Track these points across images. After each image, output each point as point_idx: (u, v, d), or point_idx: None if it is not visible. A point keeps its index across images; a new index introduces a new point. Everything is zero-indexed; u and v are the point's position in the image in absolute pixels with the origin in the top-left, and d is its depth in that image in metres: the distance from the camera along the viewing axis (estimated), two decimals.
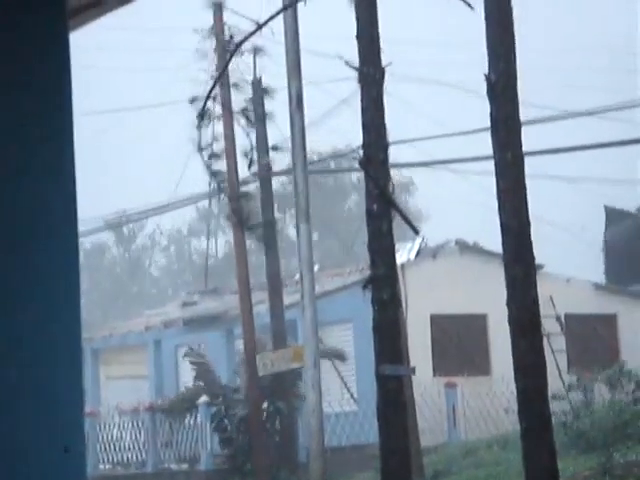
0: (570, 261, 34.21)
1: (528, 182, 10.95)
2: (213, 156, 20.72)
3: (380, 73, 12.07)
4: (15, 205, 2.91)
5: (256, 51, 22.29)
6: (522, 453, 10.72)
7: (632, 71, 36.19)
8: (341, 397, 25.44)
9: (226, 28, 21.89)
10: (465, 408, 25.57)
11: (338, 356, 24.41)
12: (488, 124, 11.03)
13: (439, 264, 27.46)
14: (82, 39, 3.36)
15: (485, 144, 11.39)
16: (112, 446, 26.91)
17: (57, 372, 2.91)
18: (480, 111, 11.31)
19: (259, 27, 12.41)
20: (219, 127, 21.91)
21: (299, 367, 19.92)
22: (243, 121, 22.29)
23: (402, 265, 26.16)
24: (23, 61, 2.93)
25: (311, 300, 13.22)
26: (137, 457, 26.42)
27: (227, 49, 21.38)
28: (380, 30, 12.11)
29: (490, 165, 11.23)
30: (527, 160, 11.11)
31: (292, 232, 52.50)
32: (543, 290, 12.80)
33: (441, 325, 26.95)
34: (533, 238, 10.88)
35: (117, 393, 30.49)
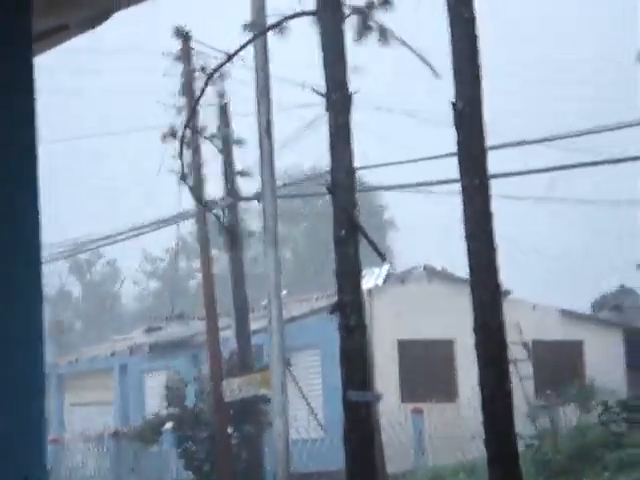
0: (538, 287, 34.36)
1: (498, 204, 11.01)
2: (188, 178, 20.68)
3: (347, 100, 12.12)
4: None
5: (224, 77, 22.31)
6: (488, 479, 10.71)
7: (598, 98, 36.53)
8: (308, 423, 25.36)
9: (193, 53, 21.90)
10: (432, 434, 25.53)
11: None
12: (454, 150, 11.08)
13: (407, 290, 27.49)
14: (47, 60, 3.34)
15: (452, 170, 11.43)
16: (76, 473, 26.66)
17: (19, 398, 2.88)
18: (448, 138, 11.36)
19: (230, 57, 12.44)
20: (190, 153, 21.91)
21: (266, 393, 19.84)
22: (212, 146, 22.32)
23: (370, 290, 26.16)
24: None
25: (279, 325, 13.17)
26: None
27: (194, 74, 21.40)
28: (348, 58, 12.18)
29: (456, 189, 11.27)
30: (499, 182, 11.18)
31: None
32: (510, 316, 12.82)
33: (408, 351, 26.94)
34: (500, 263, 10.91)
35: (82, 419, 30.25)
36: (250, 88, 14.59)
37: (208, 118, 22.78)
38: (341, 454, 12.58)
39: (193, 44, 21.99)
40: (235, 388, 21.22)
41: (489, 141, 11.39)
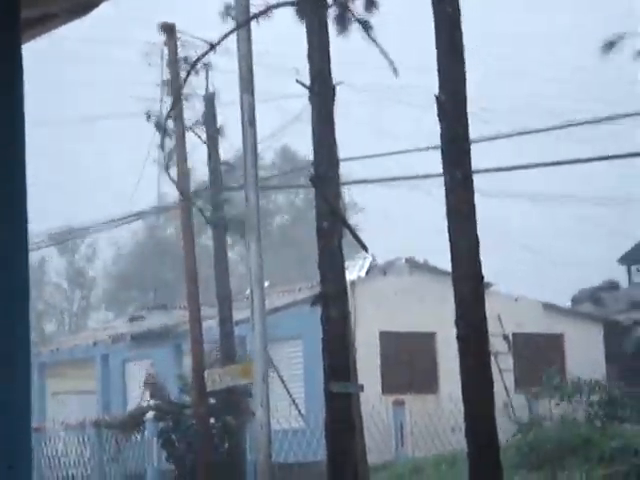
0: (520, 279, 34.48)
1: (484, 199, 11.04)
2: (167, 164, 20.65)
3: (330, 92, 12.13)
4: None
5: (208, 66, 22.27)
6: (469, 472, 10.76)
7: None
8: (289, 414, 25.40)
9: (178, 44, 21.86)
10: (413, 426, 25.61)
11: None
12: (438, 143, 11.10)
13: (389, 282, 27.54)
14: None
15: (437, 162, 11.45)
16: (57, 462, 26.64)
17: (3, 387, 2.88)
18: (434, 131, 11.37)
19: (212, 47, 12.43)
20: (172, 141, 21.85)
21: (248, 383, 19.86)
22: (196, 135, 22.30)
23: (352, 282, 26.20)
24: None
25: (261, 316, 13.19)
26: (82, 473, 26.18)
27: (179, 64, 21.36)
28: (332, 50, 12.19)
29: (440, 182, 11.28)
30: (485, 176, 11.20)
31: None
32: (491, 309, 12.87)
33: (390, 343, 27.00)
34: (483, 256, 10.94)
35: (63, 408, 30.22)
36: (233, 80, 14.60)
37: (193, 109, 22.75)
38: (322, 445, 12.63)
39: (179, 35, 21.95)
40: (217, 378, 21.22)
41: (479, 133, 11.45)
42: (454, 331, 10.89)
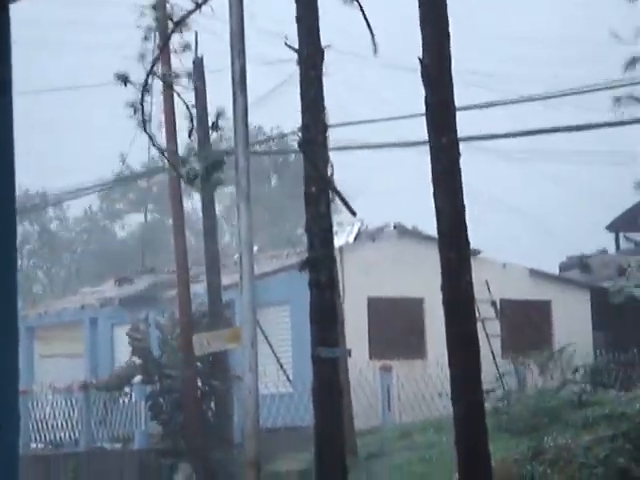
0: (507, 246, 34.54)
1: (472, 165, 11.03)
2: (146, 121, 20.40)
3: (319, 55, 12.08)
4: None
5: (199, 31, 22.16)
6: (455, 436, 10.83)
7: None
8: (277, 379, 25.49)
9: (168, 7, 21.74)
10: (400, 391, 25.73)
11: None
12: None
13: (377, 248, 27.58)
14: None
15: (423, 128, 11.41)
16: (45, 425, 26.72)
17: None
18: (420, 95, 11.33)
19: (198, 6, 12.35)
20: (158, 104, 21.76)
21: (236, 348, 19.91)
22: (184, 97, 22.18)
23: (340, 248, 26.24)
24: None
25: (250, 281, 13.20)
26: (70, 436, 26.27)
27: (169, 26, 21.23)
28: (321, 12, 12.13)
29: (426, 148, 11.26)
30: (472, 143, 11.17)
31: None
32: (479, 275, 12.91)
33: (378, 308, 27.08)
34: (470, 222, 10.95)
35: (51, 371, 30.27)
36: (224, 43, 14.52)
37: (181, 72, 22.64)
38: (310, 410, 12.69)
39: None
40: (205, 342, 21.28)
41: (466, 100, 11.42)
42: (442, 297, 10.92)
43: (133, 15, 21.85)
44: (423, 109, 10.96)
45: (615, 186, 33.87)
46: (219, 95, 22.28)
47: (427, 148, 11.07)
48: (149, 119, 17.97)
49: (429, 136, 10.93)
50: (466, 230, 10.86)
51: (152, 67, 15.01)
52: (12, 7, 3.11)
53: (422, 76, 10.81)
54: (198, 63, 23.15)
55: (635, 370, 21.60)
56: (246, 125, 13.28)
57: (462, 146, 11.09)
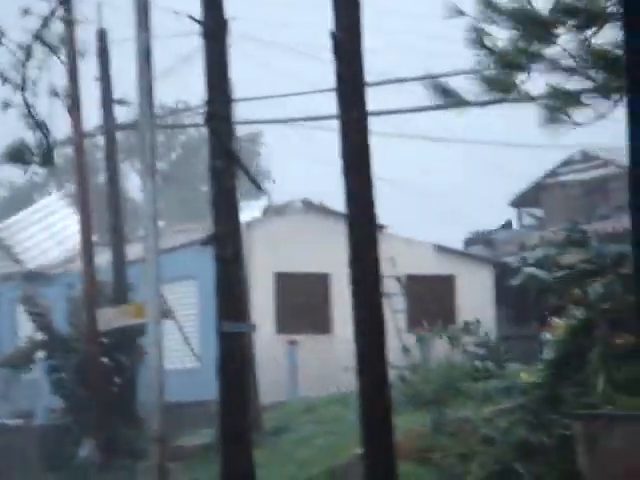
0: (412, 222, 34.83)
1: (380, 141, 11.07)
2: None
3: (223, 28, 12.01)
4: None
5: (100, 3, 21.89)
6: (360, 410, 10.91)
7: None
8: (183, 354, 25.41)
9: None
10: (306, 366, 25.85)
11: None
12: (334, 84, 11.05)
13: (284, 223, 27.61)
14: None
15: (331, 104, 11.42)
16: None
17: None
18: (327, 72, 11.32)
19: None
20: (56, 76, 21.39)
21: (140, 323, 19.79)
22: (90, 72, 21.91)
23: (247, 223, 26.20)
24: None
25: (154, 256, 13.12)
26: None
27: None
28: None
29: (335, 124, 11.27)
30: (379, 119, 11.19)
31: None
32: (384, 251, 12.99)
33: (285, 283, 27.13)
34: (377, 199, 11.00)
35: None
36: (128, 16, 14.35)
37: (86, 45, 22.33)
38: (215, 384, 12.67)
39: None
40: (109, 317, 21.12)
41: (370, 78, 11.41)
42: (348, 272, 10.97)
43: None
44: (334, 85, 10.96)
45: (518, 163, 34.32)
46: (123, 69, 22.03)
47: (336, 124, 11.08)
48: (31, 84, 17.33)
49: (339, 111, 10.94)
50: (374, 206, 10.92)
51: (40, 29, 14.66)
52: None
53: (334, 50, 10.81)
54: (101, 35, 22.85)
55: (535, 344, 21.99)
56: (151, 99, 13.16)
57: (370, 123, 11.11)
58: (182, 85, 28.03)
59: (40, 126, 17.99)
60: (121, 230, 23.13)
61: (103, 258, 23.80)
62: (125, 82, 21.75)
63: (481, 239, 34.15)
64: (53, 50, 18.58)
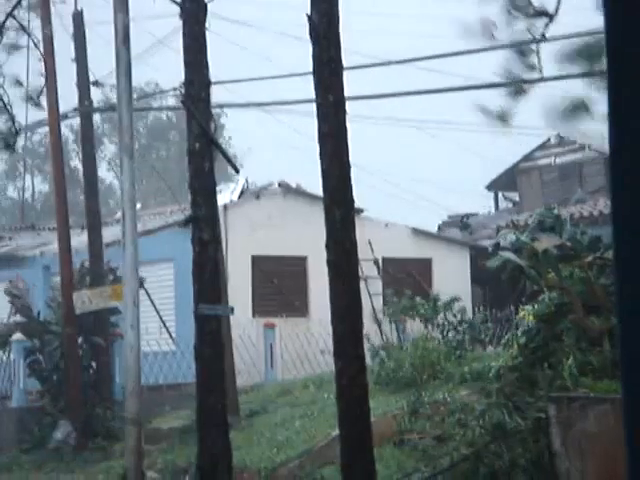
0: (391, 207, 34.92)
1: (351, 126, 11.07)
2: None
3: (202, 10, 11.99)
4: None
5: None
6: (336, 392, 10.96)
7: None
8: (159, 336, 25.41)
9: None
10: (283, 349, 25.90)
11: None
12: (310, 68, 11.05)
13: (262, 206, 27.60)
14: None
15: (308, 87, 11.43)
16: None
17: None
18: (304, 54, 11.33)
19: None
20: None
21: (117, 305, 19.77)
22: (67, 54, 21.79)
23: (225, 205, 26.18)
24: None
25: (132, 238, 13.11)
26: None
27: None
28: None
29: (312, 108, 11.28)
30: (356, 103, 11.19)
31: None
32: (362, 234, 13.04)
33: (262, 266, 27.15)
34: (354, 181, 11.03)
35: None
36: None
37: (60, 26, 22.23)
38: (192, 367, 12.69)
39: None
40: (86, 300, 21.08)
41: (351, 61, 11.42)
42: (325, 255, 11.00)
43: None
44: (311, 69, 10.95)
45: (494, 148, 34.43)
46: (100, 51, 21.94)
47: (313, 107, 11.09)
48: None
49: (316, 94, 10.95)
50: (351, 189, 10.94)
51: (11, 11, 14.56)
52: None
53: (310, 34, 10.80)
54: (78, 17, 22.74)
55: (511, 327, 22.13)
56: (129, 81, 13.13)
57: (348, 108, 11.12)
58: (153, 67, 27.91)
59: (6, 110, 17.82)
60: (98, 212, 23.08)
61: (77, 240, 23.74)
62: (100, 65, 21.70)
63: (458, 222, 34.28)
64: (25, 30, 18.45)
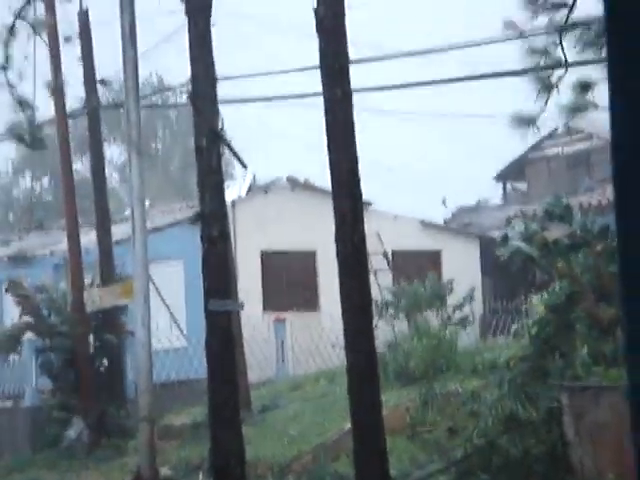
0: (398, 199, 34.88)
1: (360, 118, 11.06)
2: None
3: (207, 4, 11.97)
4: None
5: None
6: (347, 387, 10.95)
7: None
8: (170, 333, 25.44)
9: None
10: (293, 343, 25.92)
11: None
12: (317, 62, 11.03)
13: (270, 201, 27.61)
14: None
15: (316, 81, 11.41)
16: None
17: None
18: (311, 50, 11.31)
19: None
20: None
21: (128, 303, 19.78)
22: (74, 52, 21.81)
23: (233, 201, 26.19)
24: None
25: (142, 234, 13.11)
26: None
27: None
28: None
29: (320, 101, 11.26)
30: (360, 96, 11.17)
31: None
32: (371, 227, 13.04)
33: (271, 261, 27.16)
34: (362, 175, 11.02)
35: None
36: None
37: (67, 24, 22.24)
38: (203, 363, 12.70)
39: None
40: (97, 298, 21.10)
41: (358, 54, 11.40)
42: (335, 249, 11.00)
43: None
44: (318, 64, 10.93)
45: (502, 138, 34.31)
46: (105, 49, 21.94)
47: (321, 101, 11.08)
48: (9, 61, 17.18)
49: (323, 88, 10.94)
50: (359, 183, 10.93)
51: (21, 10, 14.55)
52: None
53: (316, 27, 10.79)
54: (83, 15, 22.74)
55: (521, 317, 22.12)
56: (136, 78, 13.13)
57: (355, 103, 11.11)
58: (161, 64, 27.91)
59: (24, 106, 17.83)
60: (107, 210, 23.09)
61: (86, 239, 23.76)
62: (107, 63, 21.70)
63: (467, 214, 34.24)
64: (35, 30, 18.49)
